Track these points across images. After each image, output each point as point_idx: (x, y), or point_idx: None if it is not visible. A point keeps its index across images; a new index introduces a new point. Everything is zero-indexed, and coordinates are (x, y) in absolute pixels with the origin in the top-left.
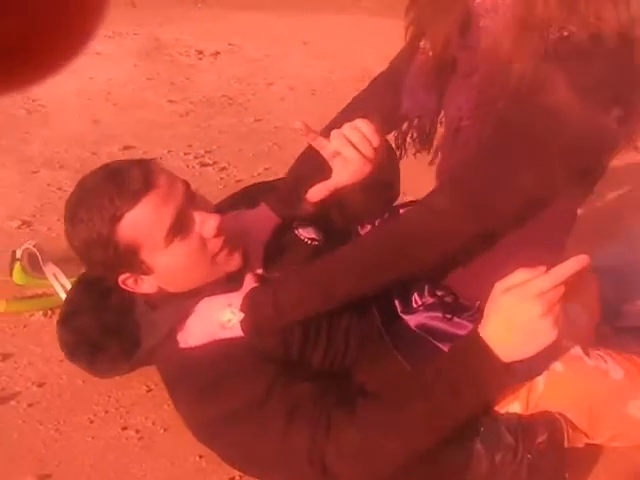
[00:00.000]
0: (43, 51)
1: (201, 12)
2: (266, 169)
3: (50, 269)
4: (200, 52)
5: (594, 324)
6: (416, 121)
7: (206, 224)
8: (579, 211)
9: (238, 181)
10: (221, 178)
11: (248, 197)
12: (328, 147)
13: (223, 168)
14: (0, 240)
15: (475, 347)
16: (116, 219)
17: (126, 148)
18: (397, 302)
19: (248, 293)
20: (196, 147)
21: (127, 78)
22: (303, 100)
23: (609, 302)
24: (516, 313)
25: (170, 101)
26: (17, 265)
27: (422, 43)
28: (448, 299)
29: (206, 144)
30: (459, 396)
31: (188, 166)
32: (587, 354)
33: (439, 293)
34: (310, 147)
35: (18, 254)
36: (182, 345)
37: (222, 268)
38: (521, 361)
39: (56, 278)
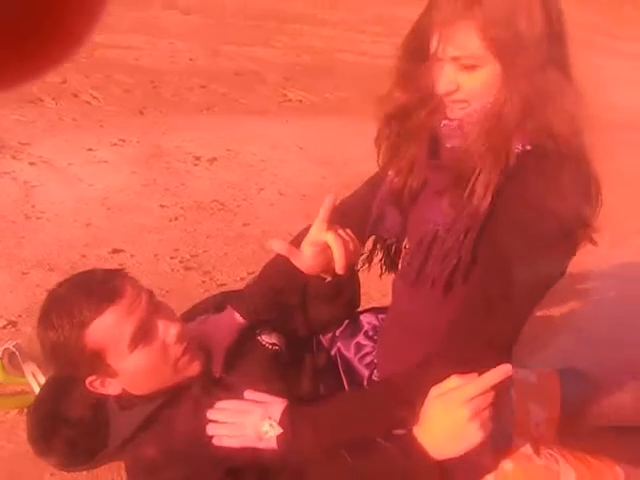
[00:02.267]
0: (43, 43)
1: (205, 119)
2: (249, 273)
3: (29, 368)
4: (197, 158)
5: (554, 423)
6: (383, 243)
7: (168, 331)
8: None
9: (221, 285)
10: (203, 282)
11: (217, 303)
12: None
13: (207, 272)
14: None
15: (407, 444)
16: (83, 326)
17: (115, 251)
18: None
19: (287, 410)
20: (182, 251)
21: (124, 184)
22: (292, 205)
23: (572, 401)
24: (446, 416)
25: (162, 206)
26: None
27: (390, 172)
28: None
29: (192, 248)
30: None
31: (173, 270)
32: (537, 453)
33: None
34: (277, 257)
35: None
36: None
37: (182, 373)
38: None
39: (35, 377)
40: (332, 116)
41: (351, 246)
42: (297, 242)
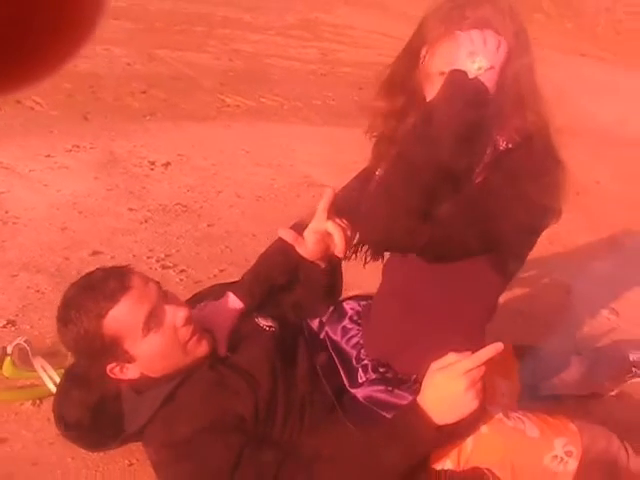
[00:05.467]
0: (41, 49)
1: (150, 124)
2: (221, 271)
3: (39, 362)
4: (152, 163)
5: (515, 392)
6: None
7: (177, 315)
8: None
9: (197, 282)
10: (181, 279)
11: (214, 292)
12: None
13: (182, 270)
14: None
15: (414, 411)
16: (101, 316)
17: (95, 253)
18: (345, 378)
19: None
20: (157, 251)
21: (89, 189)
22: (250, 206)
23: (526, 375)
24: (446, 387)
25: (130, 209)
26: (7, 359)
27: (377, 172)
28: (389, 375)
29: (165, 248)
30: (401, 450)
31: (151, 269)
32: (507, 416)
33: (381, 369)
34: (271, 246)
35: (9, 350)
36: None
37: (192, 354)
38: (452, 424)
39: (44, 370)
40: (270, 121)
41: (348, 232)
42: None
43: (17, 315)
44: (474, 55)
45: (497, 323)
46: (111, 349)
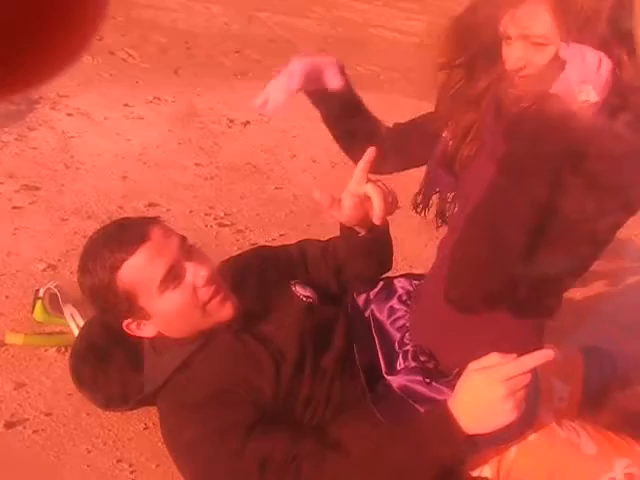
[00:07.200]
0: (43, 50)
1: (239, 83)
2: (281, 235)
3: (69, 309)
4: (231, 121)
5: (576, 399)
6: (437, 197)
7: (197, 274)
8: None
9: (253, 244)
10: (237, 240)
11: (257, 256)
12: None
13: (240, 231)
14: (26, 280)
15: (442, 416)
16: (115, 268)
17: (150, 205)
18: (383, 363)
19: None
20: (217, 209)
21: (160, 141)
22: (323, 171)
23: (593, 380)
24: (482, 392)
25: (197, 164)
26: (39, 303)
27: (444, 134)
28: (430, 365)
29: (226, 207)
30: (422, 457)
31: (207, 226)
32: (560, 424)
33: (422, 358)
34: None
35: (41, 293)
36: None
37: (214, 316)
38: (485, 434)
39: (73, 318)
40: (363, 89)
41: (389, 198)
42: None
43: (59, 260)
44: (585, 84)
45: (563, 321)
46: (126, 304)
